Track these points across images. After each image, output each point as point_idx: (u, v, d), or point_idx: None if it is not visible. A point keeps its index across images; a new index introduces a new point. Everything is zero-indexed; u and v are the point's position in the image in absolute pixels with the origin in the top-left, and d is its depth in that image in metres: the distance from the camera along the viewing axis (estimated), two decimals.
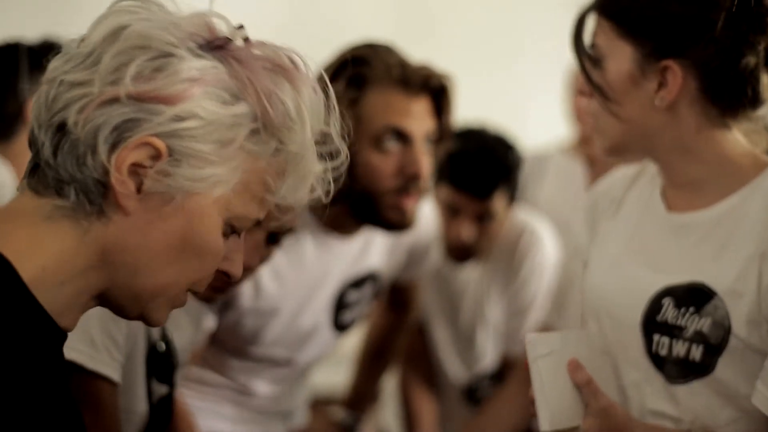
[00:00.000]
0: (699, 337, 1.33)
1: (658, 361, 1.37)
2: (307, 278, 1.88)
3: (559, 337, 1.42)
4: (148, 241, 0.91)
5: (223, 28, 0.95)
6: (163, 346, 1.48)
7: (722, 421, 1.34)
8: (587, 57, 1.38)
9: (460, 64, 5.05)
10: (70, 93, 0.89)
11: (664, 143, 1.38)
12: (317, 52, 1.78)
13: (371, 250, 1.98)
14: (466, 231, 2.32)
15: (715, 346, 1.32)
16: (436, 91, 1.78)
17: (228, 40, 0.93)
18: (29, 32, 2.33)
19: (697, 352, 1.33)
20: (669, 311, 1.36)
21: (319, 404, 2.32)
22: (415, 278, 2.24)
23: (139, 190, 0.90)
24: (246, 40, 0.96)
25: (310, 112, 0.95)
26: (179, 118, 0.89)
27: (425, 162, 1.77)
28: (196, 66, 0.90)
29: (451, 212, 2.34)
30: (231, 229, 0.97)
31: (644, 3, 1.34)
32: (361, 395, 2.31)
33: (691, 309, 1.34)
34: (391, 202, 1.78)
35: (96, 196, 0.90)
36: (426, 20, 4.92)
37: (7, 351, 0.84)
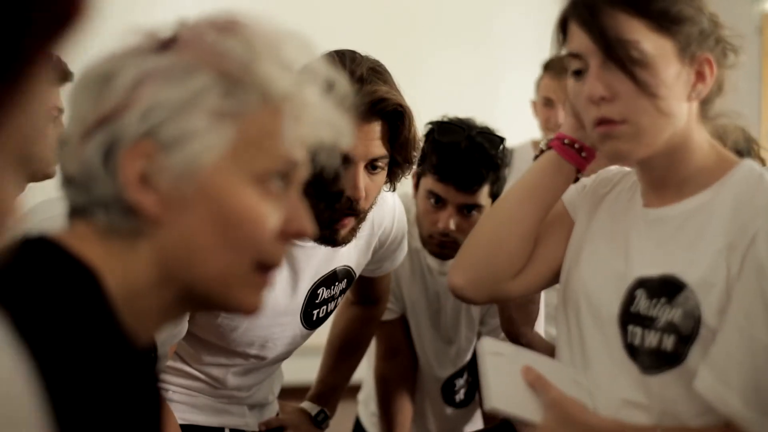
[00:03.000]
0: (670, 327, 1.36)
1: (633, 352, 1.40)
2: (279, 278, 1.89)
3: (511, 346, 1.48)
4: (189, 234, 0.92)
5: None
6: None
7: (692, 413, 1.37)
8: (627, 55, 1.35)
9: (434, 48, 5.06)
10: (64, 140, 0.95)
11: (676, 138, 1.40)
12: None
13: (342, 248, 1.99)
14: (451, 222, 2.32)
15: (686, 336, 1.35)
16: (389, 116, 1.76)
17: (175, 36, 0.95)
18: None
19: (668, 342, 1.36)
20: (641, 302, 1.40)
21: (289, 396, 2.32)
22: (385, 272, 2.25)
23: (155, 194, 0.92)
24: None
25: (272, 50, 0.95)
26: (145, 116, 0.91)
27: (363, 185, 1.76)
28: (132, 70, 0.92)
29: (435, 203, 2.34)
30: (271, 188, 0.95)
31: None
32: (329, 388, 2.31)
33: (663, 300, 1.38)
34: (325, 218, 1.78)
35: (126, 217, 0.92)
36: (404, 10, 4.92)
37: (98, 369, 0.85)
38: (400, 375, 2.56)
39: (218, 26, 0.95)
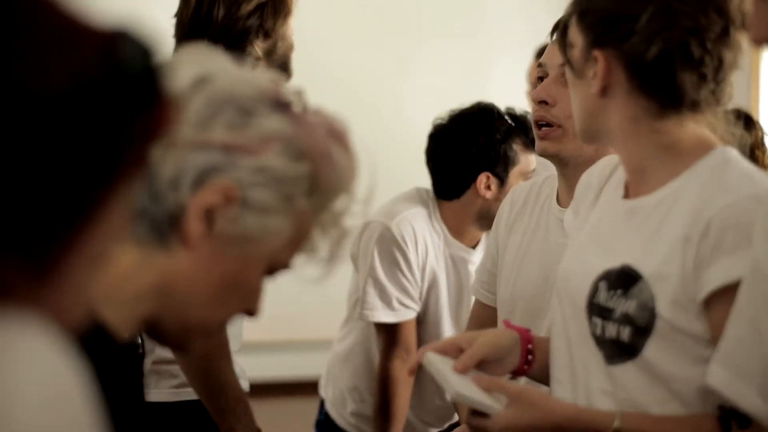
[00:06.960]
0: (626, 319, 1.38)
1: (598, 342, 1.43)
2: None
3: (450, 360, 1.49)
4: (205, 277, 0.97)
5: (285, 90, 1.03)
6: None
7: (654, 401, 1.38)
8: (566, 45, 1.48)
9: (424, 39, 5.06)
10: None
11: (607, 129, 1.45)
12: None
13: None
14: None
15: (642, 327, 1.37)
16: None
17: (291, 102, 1.01)
18: None
19: (624, 333, 1.38)
20: (602, 293, 1.42)
21: (255, 393, 2.31)
22: None
23: (207, 230, 0.95)
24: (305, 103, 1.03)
25: (355, 179, 1.03)
26: (256, 170, 0.95)
27: None
28: (273, 123, 0.97)
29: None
30: (267, 272, 1.03)
31: None
32: None
33: (619, 291, 1.39)
34: None
35: (166, 230, 0.95)
36: (394, 2, 4.91)
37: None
38: (407, 375, 2.57)
39: (331, 129, 1.01)
